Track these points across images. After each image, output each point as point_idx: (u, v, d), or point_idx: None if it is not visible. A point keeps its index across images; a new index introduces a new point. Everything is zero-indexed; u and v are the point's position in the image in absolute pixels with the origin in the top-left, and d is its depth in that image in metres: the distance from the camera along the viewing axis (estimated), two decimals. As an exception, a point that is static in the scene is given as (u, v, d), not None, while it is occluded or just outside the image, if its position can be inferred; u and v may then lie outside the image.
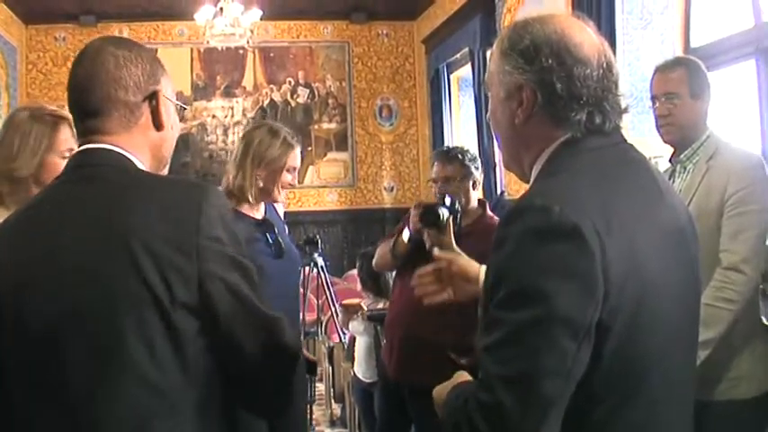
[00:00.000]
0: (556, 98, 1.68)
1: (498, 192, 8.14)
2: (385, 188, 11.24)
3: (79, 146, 1.89)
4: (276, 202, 3.86)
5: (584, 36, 1.72)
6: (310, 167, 10.95)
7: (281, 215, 4.11)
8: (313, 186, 11.03)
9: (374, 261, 4.69)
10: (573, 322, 1.50)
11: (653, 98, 3.45)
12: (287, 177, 3.73)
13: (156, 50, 10.27)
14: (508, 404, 1.50)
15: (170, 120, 1.92)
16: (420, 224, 3.77)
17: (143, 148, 1.89)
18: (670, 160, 3.50)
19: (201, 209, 1.72)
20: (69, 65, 6.94)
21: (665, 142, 3.49)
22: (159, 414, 1.68)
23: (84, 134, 1.87)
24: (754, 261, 3.16)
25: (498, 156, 8.01)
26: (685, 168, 3.39)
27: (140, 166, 1.86)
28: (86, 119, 1.86)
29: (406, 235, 4.07)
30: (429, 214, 3.70)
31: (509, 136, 1.82)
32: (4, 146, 2.82)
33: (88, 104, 1.84)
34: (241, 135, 4.00)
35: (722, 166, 3.24)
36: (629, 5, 5.83)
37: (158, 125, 1.90)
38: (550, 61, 1.67)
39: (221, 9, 8.21)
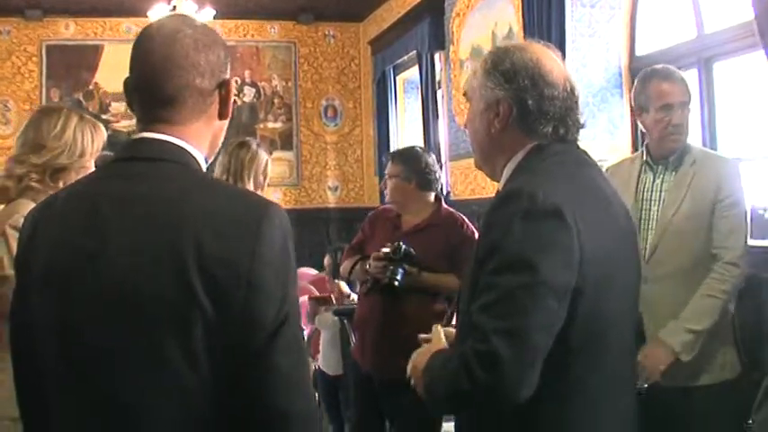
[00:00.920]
0: (528, 113, 2.10)
1: (444, 192, 8.30)
2: (329, 188, 11.32)
3: (140, 132, 1.76)
4: None
5: (554, 65, 2.14)
6: (255, 166, 10.97)
7: None
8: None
9: (340, 271, 5.22)
10: (555, 286, 1.88)
11: (664, 107, 3.60)
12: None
13: (103, 47, 10.29)
14: (502, 352, 1.84)
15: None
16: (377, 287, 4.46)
17: (205, 138, 1.79)
18: (649, 161, 3.72)
19: (261, 231, 1.59)
20: (14, 59, 7.05)
21: (667, 152, 3.69)
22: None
23: (148, 122, 1.74)
24: (746, 257, 3.53)
25: (445, 156, 8.19)
26: (669, 170, 3.64)
27: (200, 158, 1.75)
28: (155, 105, 1.73)
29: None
30: (385, 289, 4.39)
31: (485, 141, 2.23)
32: (54, 135, 2.96)
33: (162, 90, 1.71)
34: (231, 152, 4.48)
35: (709, 172, 3.57)
36: (577, 13, 6.02)
37: (225, 114, 1.80)
38: (526, 82, 2.09)
39: (174, 7, 8.24)
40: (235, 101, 10.38)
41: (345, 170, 11.38)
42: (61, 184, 2.80)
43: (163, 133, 1.71)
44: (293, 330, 1.62)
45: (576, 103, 2.15)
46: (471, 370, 1.86)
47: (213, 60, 1.74)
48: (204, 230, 1.56)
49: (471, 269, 2.06)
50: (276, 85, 11.17)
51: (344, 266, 4.95)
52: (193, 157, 1.73)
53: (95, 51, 10.30)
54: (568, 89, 2.12)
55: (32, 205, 2.40)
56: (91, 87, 10.38)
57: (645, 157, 3.75)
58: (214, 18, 8.75)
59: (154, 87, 1.71)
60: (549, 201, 1.92)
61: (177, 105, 1.71)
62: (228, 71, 1.78)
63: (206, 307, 1.53)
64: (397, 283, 4.30)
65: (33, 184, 2.87)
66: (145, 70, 1.73)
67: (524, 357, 1.86)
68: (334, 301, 6.10)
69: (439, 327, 2.31)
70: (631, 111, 5.75)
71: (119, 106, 10.18)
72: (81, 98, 10.24)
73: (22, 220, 2.58)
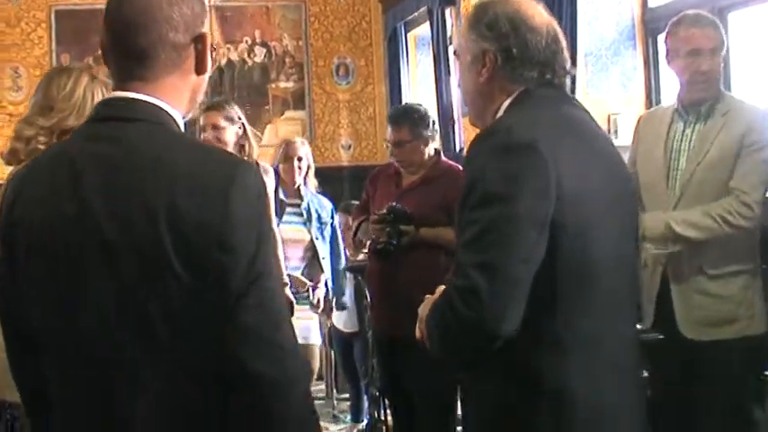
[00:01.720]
0: (512, 59, 2.16)
1: (458, 149, 8.26)
2: (342, 146, 11.28)
3: (114, 90, 1.77)
4: None
5: (535, 11, 2.22)
6: (268, 126, 10.92)
7: None
8: (271, 145, 10.87)
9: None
10: (532, 216, 1.93)
11: (692, 52, 3.57)
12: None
13: (112, 10, 10.21)
14: (482, 285, 1.88)
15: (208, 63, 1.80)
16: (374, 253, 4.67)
17: (182, 94, 1.77)
18: (680, 110, 3.67)
19: (230, 192, 1.60)
20: (23, 25, 7.00)
21: (696, 100, 3.64)
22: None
23: (122, 79, 1.74)
24: (762, 206, 3.51)
25: (457, 113, 8.14)
26: (701, 120, 3.60)
27: (177, 116, 1.74)
28: (129, 62, 1.72)
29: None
30: (381, 252, 4.54)
31: (475, 93, 2.30)
32: (64, 95, 2.95)
33: (135, 46, 1.69)
34: None
35: (739, 121, 3.54)
36: (589, -35, 5.92)
37: (202, 69, 1.78)
38: (507, 29, 2.16)
39: (181, -31, 8.16)
40: (246, 62, 10.68)
41: (358, 128, 11.33)
42: None
43: (137, 91, 1.70)
44: (265, 290, 1.62)
45: (563, 49, 2.23)
46: (453, 306, 1.92)
47: (187, 14, 1.71)
48: (176, 192, 1.57)
49: (458, 210, 2.10)
50: (287, 45, 11.10)
51: (352, 227, 5.25)
52: (169, 115, 1.72)
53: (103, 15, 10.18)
54: (552, 33, 2.19)
55: None
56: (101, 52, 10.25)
57: (676, 106, 3.71)
58: (222, -22, 8.64)
59: (127, 43, 1.70)
60: (524, 135, 2.00)
61: (151, 60, 1.70)
62: (205, 25, 1.76)
63: (178, 268, 1.55)
64: (392, 247, 4.34)
65: (41, 146, 2.82)
66: (117, 26, 1.72)
67: (504, 289, 1.90)
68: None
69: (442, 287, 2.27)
70: (644, 63, 5.72)
71: (129, 70, 10.14)
72: (92, 62, 10.19)
73: None
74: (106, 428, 1.64)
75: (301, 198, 5.89)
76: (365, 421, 6.17)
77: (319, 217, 5.93)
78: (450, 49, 8.28)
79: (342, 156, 11.27)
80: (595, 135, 2.26)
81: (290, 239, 5.63)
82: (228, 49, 10.97)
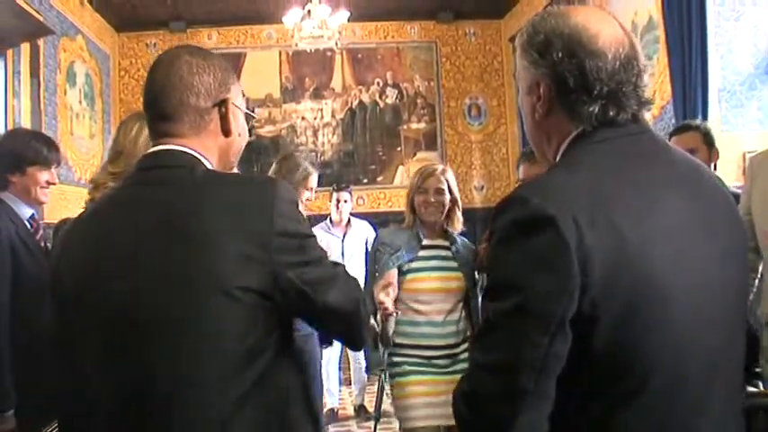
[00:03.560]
0: (568, 91, 1.70)
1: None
2: (475, 187, 11.18)
3: (153, 146, 1.98)
4: None
5: (602, 27, 1.71)
6: (400, 167, 10.96)
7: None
8: (403, 186, 10.99)
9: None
10: (542, 315, 1.51)
11: None
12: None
13: (246, 54, 10.46)
14: (484, 392, 1.58)
15: (238, 127, 2.01)
16: None
17: (212, 151, 1.98)
18: None
19: (275, 205, 1.81)
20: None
21: None
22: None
23: (157, 136, 1.97)
24: None
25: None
26: None
27: (209, 166, 1.95)
28: (160, 122, 1.96)
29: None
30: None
31: (533, 129, 1.86)
32: (129, 138, 3.00)
33: (162, 108, 1.94)
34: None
35: None
36: (719, -3, 5.67)
37: (226, 131, 1.99)
38: (561, 55, 1.69)
39: (309, 11, 8.25)
40: (377, 103, 10.72)
41: (491, 169, 11.22)
42: None
43: (171, 144, 1.94)
44: (300, 263, 1.84)
45: (638, 74, 1.71)
46: (460, 412, 1.64)
47: (208, 81, 1.95)
48: (224, 216, 1.78)
49: None
50: (418, 86, 11.11)
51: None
52: (200, 162, 1.93)
53: (238, 59, 10.46)
54: (621, 57, 1.69)
55: None
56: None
57: None
58: (349, 20, 8.70)
59: (156, 105, 1.96)
60: (542, 208, 1.53)
61: (176, 121, 1.94)
62: (231, 92, 1.99)
63: (233, 279, 1.74)
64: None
65: None
66: (150, 92, 1.97)
67: (509, 398, 1.55)
68: None
69: None
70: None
71: (262, 112, 10.35)
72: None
73: None
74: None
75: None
76: None
77: None
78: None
79: (475, 197, 11.15)
80: (686, 183, 1.71)
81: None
82: (360, 90, 11.06)
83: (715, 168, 4.20)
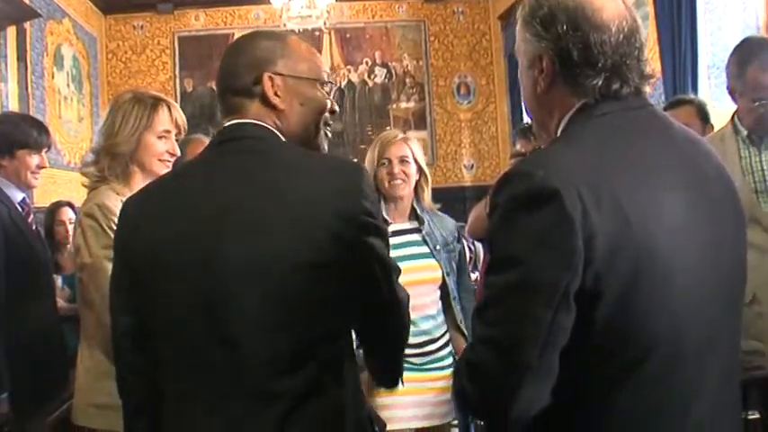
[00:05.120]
0: (572, 65, 1.69)
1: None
2: (465, 166, 11.18)
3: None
4: None
5: (605, 2, 1.71)
6: (390, 147, 10.93)
7: None
8: (393, 166, 11.00)
9: (468, 226, 4.59)
10: (546, 290, 1.50)
11: (762, 99, 3.33)
12: None
13: (233, 35, 10.43)
14: (489, 364, 1.56)
15: (288, 98, 2.03)
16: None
17: (268, 122, 2.01)
18: (751, 135, 3.43)
19: (362, 189, 1.88)
20: (148, 52, 7.13)
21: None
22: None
23: (227, 113, 2.06)
24: None
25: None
26: None
27: (283, 140, 2.01)
28: (228, 98, 2.05)
29: None
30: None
31: (534, 104, 1.84)
32: (108, 124, 3.00)
33: (222, 88, 2.07)
34: None
35: None
36: (710, -27, 5.67)
37: (271, 105, 2.01)
38: (566, 28, 1.69)
39: (297, -8, 8.24)
40: (366, 83, 10.72)
41: (481, 148, 11.21)
42: (132, 167, 3.00)
43: (242, 118, 2.02)
44: (383, 257, 1.89)
45: (639, 48, 1.73)
46: (462, 378, 1.62)
47: (243, 62, 2.03)
48: (322, 190, 1.85)
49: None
50: (407, 65, 11.09)
51: (476, 212, 4.47)
52: (274, 134, 2.00)
53: (225, 40, 10.38)
54: (624, 31, 1.70)
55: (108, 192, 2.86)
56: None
57: (743, 131, 3.45)
58: (338, 0, 8.69)
59: (219, 85, 2.09)
60: (547, 182, 1.52)
61: (230, 99, 2.03)
62: (272, 66, 2.02)
63: (324, 252, 1.79)
64: None
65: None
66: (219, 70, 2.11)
67: (511, 373, 1.54)
68: None
69: None
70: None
71: (251, 93, 10.32)
72: (214, 87, 10.38)
73: (94, 207, 2.81)
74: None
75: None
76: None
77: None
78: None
79: (464, 175, 11.15)
80: (686, 159, 1.71)
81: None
82: (349, 70, 11.03)
83: (711, 143, 4.20)
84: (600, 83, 1.68)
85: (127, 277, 2.01)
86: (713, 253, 1.65)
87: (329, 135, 2.15)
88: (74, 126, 9.01)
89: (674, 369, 1.59)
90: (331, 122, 2.15)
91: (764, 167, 3.37)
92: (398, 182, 3.77)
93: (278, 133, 2.00)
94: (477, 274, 5.83)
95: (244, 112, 2.01)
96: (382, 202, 3.78)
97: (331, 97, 2.14)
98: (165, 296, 1.90)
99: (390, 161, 3.78)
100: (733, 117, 3.53)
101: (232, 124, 2.02)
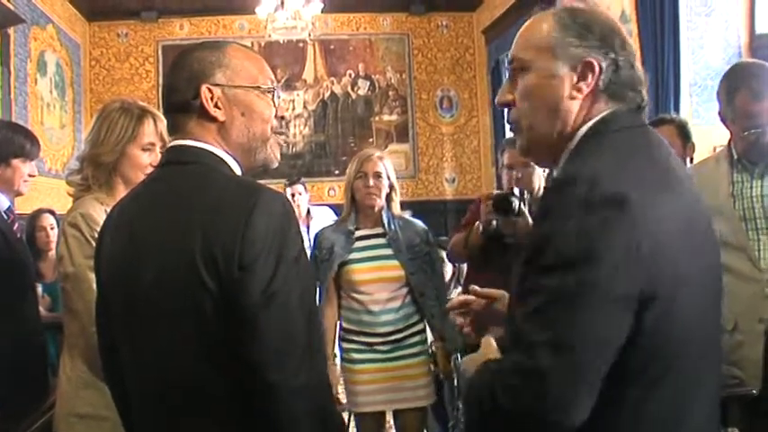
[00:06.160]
0: (619, 77, 1.79)
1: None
2: (446, 179, 11.22)
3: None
4: None
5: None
6: (371, 159, 10.95)
7: None
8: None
9: (449, 249, 4.73)
10: (615, 288, 1.52)
11: (752, 128, 3.33)
12: None
13: (219, 45, 10.41)
14: (549, 369, 1.51)
15: (229, 109, 2.02)
16: (493, 213, 3.96)
17: (208, 139, 2.01)
18: (743, 162, 3.44)
19: (251, 218, 1.82)
20: (132, 60, 7.12)
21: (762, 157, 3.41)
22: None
23: (171, 131, 2.09)
24: None
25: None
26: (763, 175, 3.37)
27: (225, 157, 2.02)
28: (170, 115, 2.08)
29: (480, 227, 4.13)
30: (502, 202, 3.91)
31: (551, 110, 1.82)
32: (94, 132, 3.02)
33: (165, 105, 2.07)
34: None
35: None
36: (692, -9, 5.72)
37: (211, 118, 2.00)
38: (617, 44, 1.78)
39: (282, 2, 8.24)
40: (349, 94, 10.73)
41: (462, 161, 11.25)
42: (115, 177, 3.03)
43: (183, 140, 2.02)
44: (281, 308, 1.80)
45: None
46: (513, 388, 1.55)
47: (183, 76, 2.02)
48: (207, 221, 1.82)
49: (521, 265, 1.68)
50: (390, 77, 11.13)
51: (456, 239, 4.52)
52: (213, 156, 2.00)
53: (210, 50, 10.36)
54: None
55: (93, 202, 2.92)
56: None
57: (735, 156, 3.47)
58: (322, 12, 8.69)
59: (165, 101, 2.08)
60: (613, 187, 1.55)
61: (178, 114, 2.04)
62: (210, 78, 2.00)
63: (210, 285, 1.79)
64: (515, 197, 3.94)
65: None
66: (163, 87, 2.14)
67: (575, 376, 1.52)
68: None
69: (490, 338, 2.02)
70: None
71: (234, 103, 10.29)
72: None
73: (78, 217, 2.88)
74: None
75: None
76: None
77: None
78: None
79: (446, 189, 11.19)
80: (676, 171, 1.78)
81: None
82: (332, 82, 11.05)
83: (691, 161, 4.21)
84: (637, 97, 1.81)
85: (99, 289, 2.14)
86: (708, 266, 1.74)
87: (281, 143, 2.15)
88: (56, 133, 8.96)
89: (687, 383, 1.66)
90: (282, 130, 2.15)
91: (754, 194, 3.39)
92: (372, 194, 4.44)
93: (218, 151, 2.01)
94: (460, 288, 5.86)
95: (185, 132, 2.01)
96: (353, 212, 4.53)
97: (277, 104, 2.10)
98: (117, 309, 2.02)
99: (366, 175, 4.44)
100: (729, 142, 3.55)
101: (172, 146, 2.04)
